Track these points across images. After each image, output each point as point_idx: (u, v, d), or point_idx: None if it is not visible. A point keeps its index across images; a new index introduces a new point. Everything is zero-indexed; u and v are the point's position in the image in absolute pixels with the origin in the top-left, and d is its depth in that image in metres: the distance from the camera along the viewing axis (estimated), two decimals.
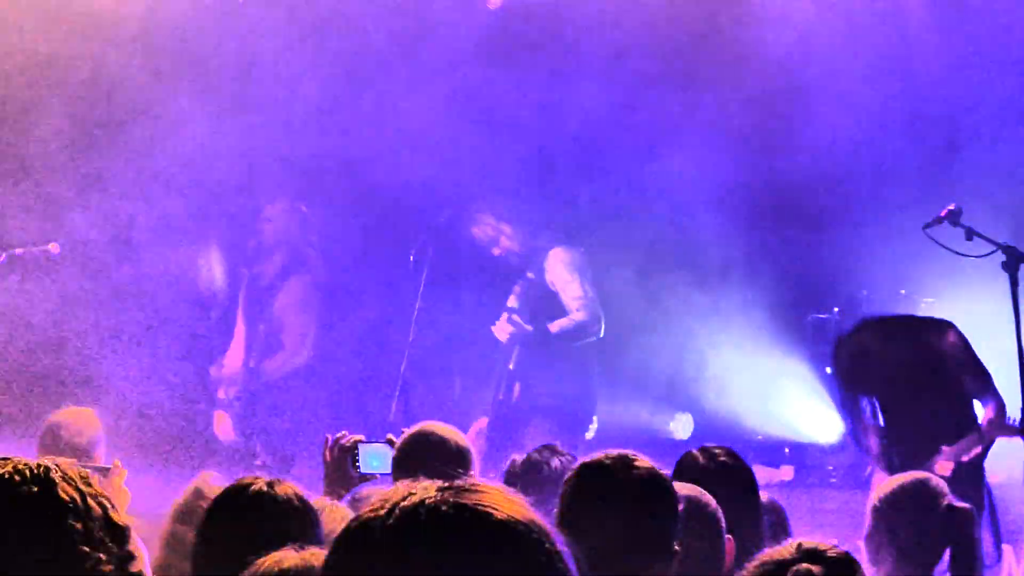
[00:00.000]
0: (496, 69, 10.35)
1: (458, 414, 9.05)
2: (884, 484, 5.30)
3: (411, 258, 8.78)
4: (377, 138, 10.32)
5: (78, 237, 9.29)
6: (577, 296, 8.66)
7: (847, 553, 2.95)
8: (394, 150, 10.38)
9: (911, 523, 4.88)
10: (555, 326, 8.56)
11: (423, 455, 4.60)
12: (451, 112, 10.05)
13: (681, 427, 10.40)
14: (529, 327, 8.51)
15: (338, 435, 5.04)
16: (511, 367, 8.55)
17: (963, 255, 7.59)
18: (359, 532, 1.80)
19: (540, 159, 10.19)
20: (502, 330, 8.59)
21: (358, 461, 5.03)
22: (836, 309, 10.64)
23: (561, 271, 8.69)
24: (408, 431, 4.82)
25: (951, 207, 7.59)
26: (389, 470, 4.99)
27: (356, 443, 5.05)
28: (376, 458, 5.06)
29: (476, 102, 10.26)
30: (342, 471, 4.97)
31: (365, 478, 5.01)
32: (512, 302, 8.70)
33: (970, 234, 7.54)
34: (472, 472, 4.68)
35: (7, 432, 8.56)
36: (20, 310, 8.97)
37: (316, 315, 8.82)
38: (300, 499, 3.44)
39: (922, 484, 5.18)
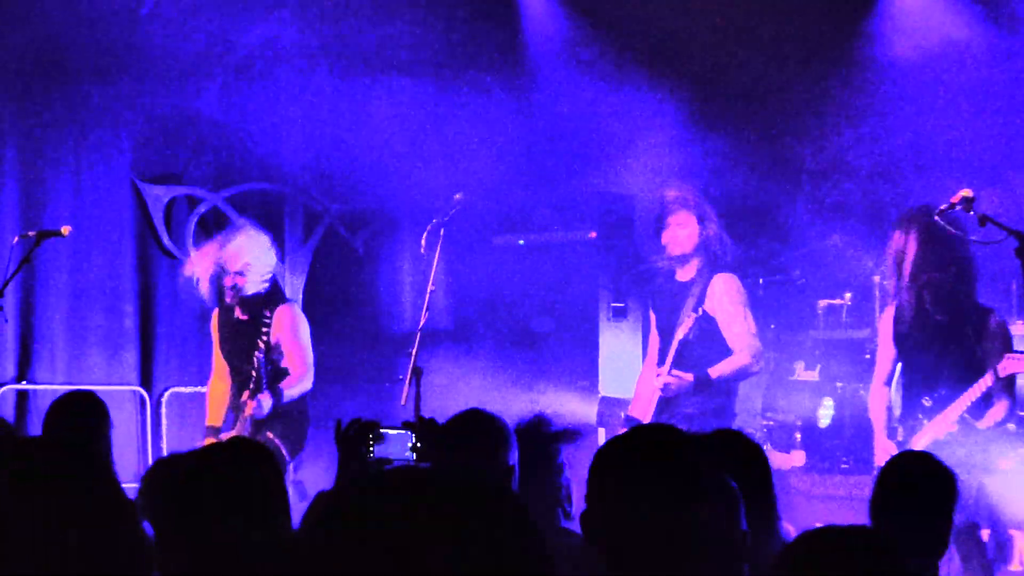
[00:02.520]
0: None
1: (474, 401, 9.04)
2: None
3: (422, 243, 8.74)
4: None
5: None
6: (739, 333, 7.97)
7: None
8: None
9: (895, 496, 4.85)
10: (716, 371, 7.88)
11: (472, 436, 4.60)
12: None
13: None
14: (690, 377, 7.85)
15: (352, 420, 4.94)
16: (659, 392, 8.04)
17: (976, 242, 7.56)
18: (336, 500, 1.79)
19: None
20: (663, 383, 7.89)
21: (372, 446, 4.95)
22: (848, 295, 10.64)
23: (725, 302, 7.99)
24: (457, 414, 4.76)
25: (964, 193, 7.53)
26: (405, 456, 4.95)
27: (371, 428, 4.95)
28: (391, 443, 4.99)
29: None
30: (356, 457, 4.89)
31: (380, 463, 4.94)
32: (680, 334, 7.89)
33: (983, 220, 7.49)
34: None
35: None
36: None
37: (309, 338, 8.74)
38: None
39: (908, 457, 5.20)
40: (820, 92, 11.00)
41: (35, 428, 10.29)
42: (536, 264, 11.00)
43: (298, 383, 8.57)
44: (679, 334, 7.95)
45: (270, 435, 8.40)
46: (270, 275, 8.72)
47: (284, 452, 8.45)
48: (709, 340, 8.01)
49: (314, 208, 11.94)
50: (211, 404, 8.90)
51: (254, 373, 8.40)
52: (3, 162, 10.66)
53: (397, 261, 11.87)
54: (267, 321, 8.58)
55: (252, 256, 8.65)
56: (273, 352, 8.54)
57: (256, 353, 8.42)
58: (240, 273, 8.61)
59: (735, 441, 4.45)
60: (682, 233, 8.17)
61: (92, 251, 10.98)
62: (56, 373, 10.82)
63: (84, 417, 6.53)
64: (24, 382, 10.67)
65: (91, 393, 6.79)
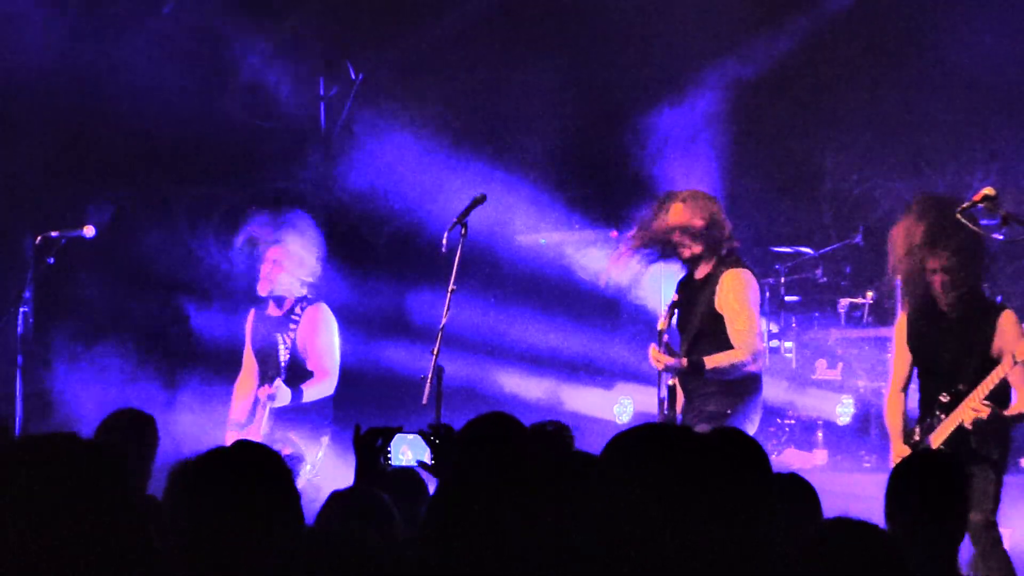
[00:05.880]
0: None
1: (496, 402, 9.08)
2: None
3: (443, 242, 8.74)
4: None
5: None
6: (739, 330, 7.92)
7: None
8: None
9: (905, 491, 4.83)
10: (711, 361, 7.86)
11: (492, 439, 4.61)
12: None
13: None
14: (684, 360, 7.85)
15: (370, 429, 4.90)
16: (671, 383, 7.99)
17: (998, 239, 7.52)
18: None
19: None
20: (656, 359, 7.86)
21: (390, 453, 4.91)
22: (870, 294, 10.61)
23: (730, 299, 7.95)
24: (476, 418, 4.76)
25: (986, 191, 7.49)
26: (422, 461, 4.93)
27: (390, 433, 4.91)
28: (410, 450, 4.97)
29: None
30: (374, 462, 4.85)
31: (398, 472, 4.91)
32: (662, 325, 7.84)
33: (1007, 219, 7.45)
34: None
35: None
36: None
37: (336, 340, 8.79)
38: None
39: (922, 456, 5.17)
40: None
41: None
42: (557, 263, 11.01)
43: (318, 385, 8.63)
44: (660, 326, 7.90)
45: (291, 435, 8.45)
46: (310, 282, 8.79)
47: (301, 451, 8.49)
48: (718, 337, 7.97)
49: (333, 206, 11.96)
50: (236, 399, 8.99)
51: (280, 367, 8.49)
52: (23, 163, 10.73)
53: (418, 260, 11.88)
54: (296, 319, 8.67)
55: (295, 259, 8.71)
56: (298, 350, 8.61)
57: (281, 347, 8.50)
58: (277, 262, 8.67)
59: (734, 441, 4.42)
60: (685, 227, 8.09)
61: (115, 251, 11.02)
62: (79, 375, 10.86)
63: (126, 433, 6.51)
64: (46, 384, 10.72)
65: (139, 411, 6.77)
